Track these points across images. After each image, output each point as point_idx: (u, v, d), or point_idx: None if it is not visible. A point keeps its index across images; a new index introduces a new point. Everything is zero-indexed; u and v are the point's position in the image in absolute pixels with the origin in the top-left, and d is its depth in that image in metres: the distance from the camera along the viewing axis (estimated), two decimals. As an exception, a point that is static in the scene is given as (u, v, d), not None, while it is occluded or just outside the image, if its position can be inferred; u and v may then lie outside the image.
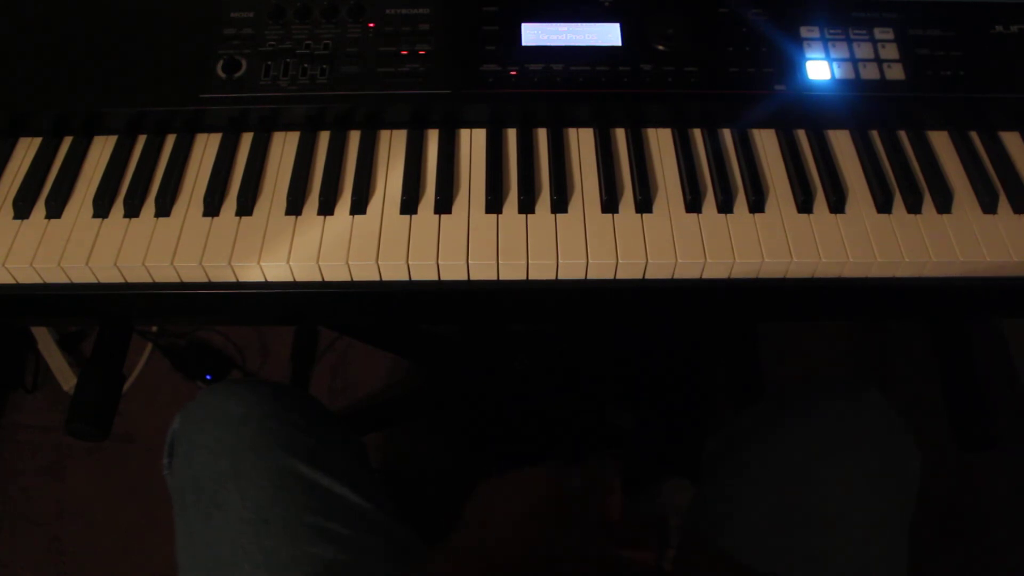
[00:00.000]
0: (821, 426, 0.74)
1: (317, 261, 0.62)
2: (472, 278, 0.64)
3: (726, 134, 0.70)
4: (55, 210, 0.66)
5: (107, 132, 0.71)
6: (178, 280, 0.64)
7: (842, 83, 0.70)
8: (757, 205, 0.66)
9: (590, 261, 0.63)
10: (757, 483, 0.73)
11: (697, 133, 0.70)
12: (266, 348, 1.48)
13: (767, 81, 0.70)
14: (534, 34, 0.71)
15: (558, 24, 0.72)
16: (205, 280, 0.64)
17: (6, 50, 0.72)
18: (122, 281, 0.64)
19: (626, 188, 0.67)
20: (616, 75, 0.70)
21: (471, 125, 0.70)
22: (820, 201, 0.66)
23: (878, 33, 0.72)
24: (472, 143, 0.69)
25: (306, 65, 0.70)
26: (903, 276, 0.65)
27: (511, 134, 0.70)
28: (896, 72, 0.71)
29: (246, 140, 0.70)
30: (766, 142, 0.70)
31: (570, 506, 0.57)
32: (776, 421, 0.77)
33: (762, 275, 0.64)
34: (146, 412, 1.38)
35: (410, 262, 0.62)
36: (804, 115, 0.71)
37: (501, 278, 0.64)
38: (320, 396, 0.83)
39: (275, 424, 0.72)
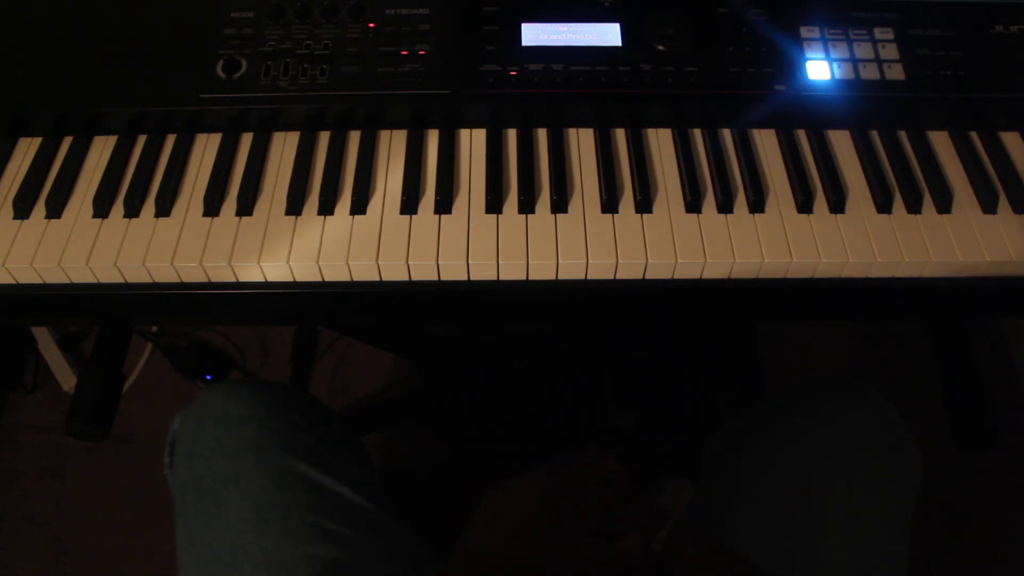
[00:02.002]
0: (821, 426, 0.74)
1: (317, 261, 0.62)
2: (472, 278, 0.64)
3: (726, 134, 0.70)
4: (55, 210, 0.66)
5: (107, 132, 0.71)
6: (178, 280, 0.64)
7: (842, 83, 0.70)
8: (757, 205, 0.66)
9: (590, 261, 0.63)
10: (757, 483, 0.73)
11: (697, 133, 0.70)
12: (266, 348, 1.48)
13: (767, 81, 0.70)
14: (534, 34, 0.71)
15: (558, 24, 0.72)
16: (205, 280, 0.64)
17: (6, 50, 0.72)
18: (122, 281, 0.64)
19: (626, 188, 0.67)
20: (616, 75, 0.70)
21: (471, 125, 0.70)
22: (820, 201, 0.66)
23: (878, 33, 0.72)
24: (472, 143, 0.69)
25: (306, 65, 0.70)
26: (903, 276, 0.65)
27: (511, 134, 0.70)
28: (896, 72, 0.71)
29: (246, 140, 0.70)
30: (766, 142, 0.70)
31: (564, 507, 0.57)
32: (776, 421, 0.77)
33: (762, 275, 0.64)
34: (146, 412, 1.38)
35: (410, 262, 0.62)
36: (804, 115, 0.71)
37: (501, 278, 0.64)
38: (320, 396, 0.83)
39: (276, 424, 0.72)
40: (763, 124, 0.71)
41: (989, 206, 0.66)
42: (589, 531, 0.56)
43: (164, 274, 0.63)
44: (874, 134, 0.71)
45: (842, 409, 0.74)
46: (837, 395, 0.76)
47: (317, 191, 0.66)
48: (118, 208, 0.66)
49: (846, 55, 0.71)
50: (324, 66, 0.70)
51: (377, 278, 0.64)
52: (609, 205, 0.65)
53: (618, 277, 0.64)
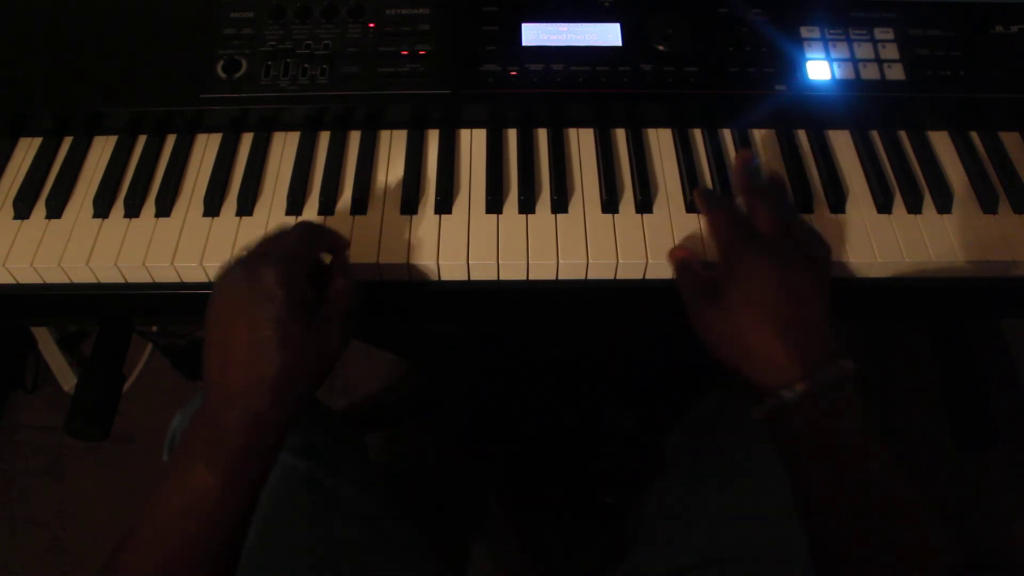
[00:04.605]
0: None
1: (317, 261, 0.62)
2: (472, 278, 0.64)
3: (726, 134, 0.70)
4: (55, 210, 0.66)
5: (107, 132, 0.71)
6: (178, 280, 0.64)
7: (842, 83, 0.70)
8: (757, 205, 0.65)
9: (590, 261, 0.63)
10: (717, 474, 0.73)
11: (697, 133, 0.70)
12: (266, 348, 1.48)
13: (767, 81, 0.70)
14: (534, 34, 0.71)
15: (558, 24, 0.72)
16: (206, 280, 0.64)
17: (7, 50, 0.72)
18: (122, 281, 0.64)
19: (626, 188, 0.67)
20: (616, 75, 0.70)
21: (471, 125, 0.70)
22: (820, 201, 0.66)
23: (878, 33, 0.72)
24: (472, 143, 0.69)
25: (306, 65, 0.70)
26: (903, 276, 0.65)
27: (511, 134, 0.70)
28: (896, 72, 0.71)
29: (246, 140, 0.70)
30: (766, 142, 0.70)
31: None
32: (728, 409, 0.77)
33: (762, 275, 0.64)
34: (146, 412, 1.38)
35: (410, 262, 0.62)
36: (804, 115, 0.71)
37: (501, 278, 0.64)
38: (320, 396, 0.83)
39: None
40: (763, 124, 0.71)
41: (989, 206, 0.66)
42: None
43: (164, 274, 0.63)
44: (874, 134, 0.71)
45: None
46: None
47: (317, 191, 0.66)
48: (118, 208, 0.66)
49: (846, 55, 0.71)
50: (324, 66, 0.70)
51: (377, 278, 0.64)
52: (609, 205, 0.65)
53: (619, 277, 0.64)
